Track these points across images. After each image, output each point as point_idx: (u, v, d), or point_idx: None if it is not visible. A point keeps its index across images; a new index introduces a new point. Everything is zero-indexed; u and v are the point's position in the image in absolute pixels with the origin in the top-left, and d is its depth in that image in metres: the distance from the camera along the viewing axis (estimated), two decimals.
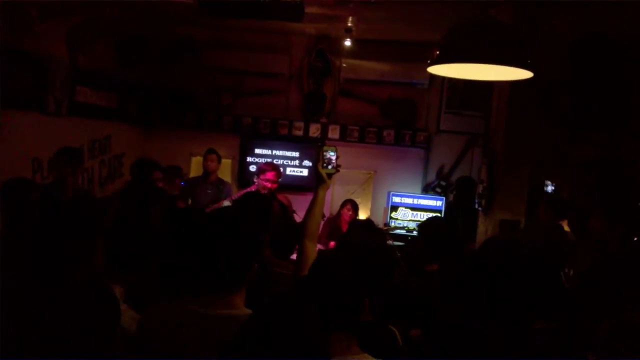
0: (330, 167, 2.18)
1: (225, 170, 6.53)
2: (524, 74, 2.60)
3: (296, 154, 6.72)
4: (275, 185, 5.09)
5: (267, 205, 2.80)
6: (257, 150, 6.77)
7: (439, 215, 6.24)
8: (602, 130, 4.82)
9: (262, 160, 6.50)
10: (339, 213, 5.84)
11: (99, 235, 1.79)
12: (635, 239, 3.23)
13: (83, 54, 5.28)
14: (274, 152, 6.77)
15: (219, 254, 1.60)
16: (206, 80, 6.80)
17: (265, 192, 5.06)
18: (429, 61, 2.76)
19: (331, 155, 2.18)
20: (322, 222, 5.79)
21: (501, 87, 4.49)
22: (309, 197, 2.29)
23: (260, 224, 2.31)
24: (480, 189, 4.75)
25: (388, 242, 5.35)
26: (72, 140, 5.21)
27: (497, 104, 4.65)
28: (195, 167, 6.86)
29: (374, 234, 2.32)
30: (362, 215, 6.75)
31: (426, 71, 2.76)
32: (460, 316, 1.77)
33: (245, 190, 5.57)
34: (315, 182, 2.23)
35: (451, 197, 6.42)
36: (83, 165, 4.45)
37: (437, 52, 2.62)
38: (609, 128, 4.80)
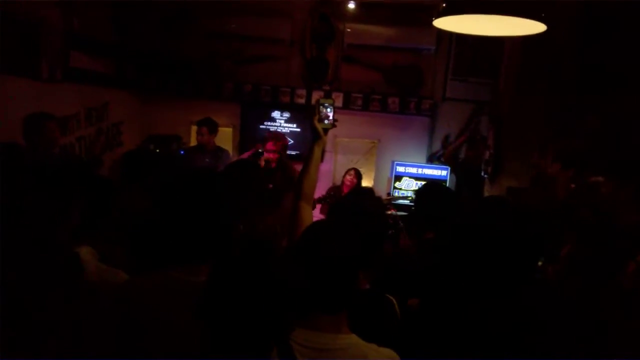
0: (327, 121, 2.04)
1: (226, 139, 6.40)
2: (537, 28, 2.42)
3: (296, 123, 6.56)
4: (276, 156, 4.97)
5: (252, 173, 2.67)
6: (258, 119, 6.62)
7: (435, 181, 6.08)
8: (611, 97, 4.64)
9: (263, 129, 6.37)
10: (342, 182, 5.72)
11: (76, 196, 1.68)
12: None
13: (78, 18, 5.10)
14: (277, 120, 6.62)
15: (197, 220, 1.51)
16: (206, 46, 6.61)
17: (271, 162, 4.95)
18: (434, 15, 2.58)
19: (328, 109, 2.04)
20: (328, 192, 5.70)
21: (512, 50, 4.30)
22: None
23: (242, 191, 2.19)
24: (487, 155, 4.60)
25: (391, 211, 5.29)
26: (67, 107, 5.09)
27: (506, 69, 4.47)
28: (195, 136, 6.73)
29: (370, 200, 2.18)
30: (366, 185, 6.63)
31: (432, 36, 2.61)
32: (454, 286, 1.65)
33: (239, 157, 5.47)
34: (311, 138, 2.10)
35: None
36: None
37: (444, 4, 2.44)
38: (618, 95, 4.62)
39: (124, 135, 6.32)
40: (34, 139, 3.95)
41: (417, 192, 2.75)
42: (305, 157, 2.12)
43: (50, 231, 1.50)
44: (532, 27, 2.45)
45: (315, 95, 6.51)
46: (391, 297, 1.96)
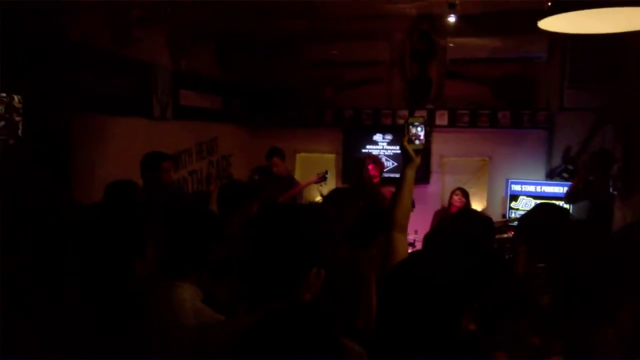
0: (417, 142, 1.86)
1: (329, 166, 6.36)
2: None
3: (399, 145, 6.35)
4: (376, 180, 4.82)
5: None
6: (360, 143, 6.52)
7: (548, 202, 5.48)
8: None
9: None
10: (449, 204, 5.41)
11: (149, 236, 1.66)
12: None
13: (185, 57, 5.39)
14: (379, 143, 6.48)
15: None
16: (307, 74, 6.69)
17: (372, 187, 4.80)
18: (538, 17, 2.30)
19: (418, 129, 1.86)
20: (434, 215, 5.41)
21: (636, 48, 3.80)
22: (418, 190, 1.98)
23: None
24: (615, 169, 4.08)
25: (508, 234, 4.86)
26: (179, 143, 5.37)
27: (632, 69, 3.96)
28: (300, 164, 6.79)
29: (477, 223, 1.93)
30: (478, 206, 6.23)
31: (544, 43, 2.33)
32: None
33: (306, 184, 5.37)
34: (402, 161, 1.93)
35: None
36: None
37: (549, 2, 2.15)
38: None
39: (232, 167, 6.54)
40: (150, 177, 4.15)
41: (522, 217, 2.43)
42: (397, 183, 1.95)
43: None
44: None
45: (420, 115, 6.29)
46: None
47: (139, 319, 1.50)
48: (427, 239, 1.98)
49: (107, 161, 4.25)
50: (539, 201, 5.77)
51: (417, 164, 1.91)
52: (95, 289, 1.40)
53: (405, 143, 1.87)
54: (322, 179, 5.32)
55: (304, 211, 1.67)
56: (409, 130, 1.86)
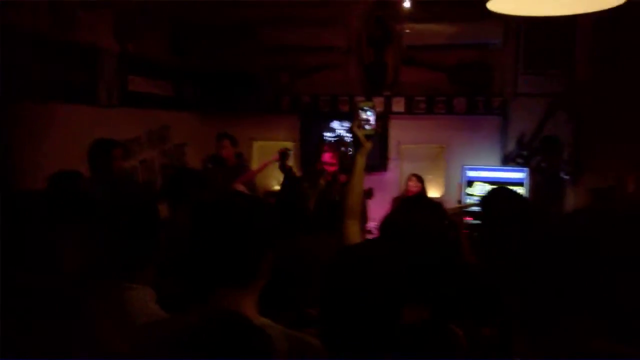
0: (367, 127, 1.80)
1: None
2: (612, 1, 2.05)
3: None
4: (333, 168, 4.76)
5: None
6: (318, 130, 6.44)
7: (503, 186, 5.59)
8: None
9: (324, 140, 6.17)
10: (405, 190, 5.41)
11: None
12: None
13: (134, 42, 5.16)
14: (336, 131, 6.42)
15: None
16: (263, 60, 6.55)
17: (328, 175, 4.73)
18: None
19: (368, 114, 1.80)
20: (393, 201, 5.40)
21: (585, 33, 3.84)
22: (376, 177, 1.91)
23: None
24: (566, 154, 4.14)
25: (465, 220, 4.89)
26: (127, 131, 5.14)
27: (582, 55, 4.00)
28: (257, 152, 6.66)
29: (427, 210, 1.88)
30: (435, 193, 6.27)
31: (499, 29, 2.29)
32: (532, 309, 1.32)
33: (264, 165, 5.27)
34: (354, 147, 1.87)
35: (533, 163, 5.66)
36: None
37: None
38: None
39: (187, 157, 6.35)
40: (100, 166, 3.95)
41: (482, 198, 2.42)
42: (348, 169, 1.89)
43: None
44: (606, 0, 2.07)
45: (377, 102, 6.25)
46: (456, 328, 1.66)
47: (76, 324, 1.38)
48: (381, 228, 1.93)
49: (51, 151, 4.03)
50: (494, 187, 5.84)
51: (368, 149, 1.85)
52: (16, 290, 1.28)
53: (355, 128, 1.81)
54: (283, 155, 5.04)
55: (250, 199, 1.59)
56: (358, 115, 1.81)
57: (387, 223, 1.75)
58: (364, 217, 4.28)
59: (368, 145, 1.83)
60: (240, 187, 4.88)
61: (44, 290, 1.37)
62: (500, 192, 2.57)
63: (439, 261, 1.62)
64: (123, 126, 4.99)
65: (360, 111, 1.80)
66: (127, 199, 1.85)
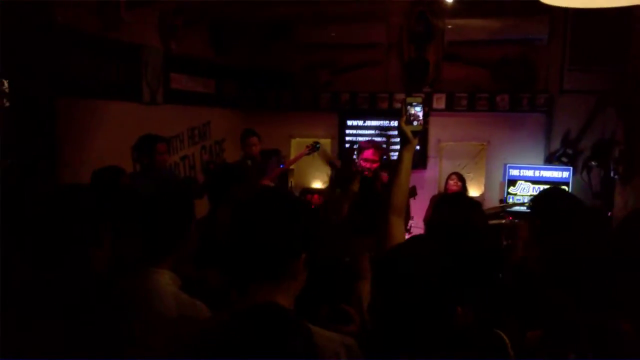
0: (416, 123, 1.77)
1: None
2: None
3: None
4: (375, 165, 4.70)
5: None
6: (355, 128, 6.41)
7: (557, 186, 5.44)
8: None
9: (362, 138, 6.13)
10: (445, 189, 5.32)
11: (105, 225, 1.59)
12: None
13: (176, 40, 5.24)
14: (375, 128, 6.38)
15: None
16: (302, 58, 6.56)
17: (367, 172, 4.69)
18: None
19: (417, 109, 1.77)
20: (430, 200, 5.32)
21: None
22: (415, 175, 1.89)
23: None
24: (616, 153, 3.98)
25: (504, 220, 4.79)
26: (170, 128, 5.24)
27: (637, 50, 3.84)
28: (295, 149, 6.68)
29: (469, 210, 1.83)
30: (475, 191, 6.15)
31: (544, 24, 2.22)
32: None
33: (295, 158, 5.26)
34: (400, 143, 1.83)
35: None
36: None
37: None
38: None
39: (226, 152, 6.42)
40: (145, 160, 4.08)
41: (535, 199, 2.35)
42: (394, 165, 1.85)
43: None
44: None
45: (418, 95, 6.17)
46: (502, 333, 1.61)
47: (109, 309, 1.41)
48: (427, 225, 1.89)
49: (95, 147, 4.14)
50: (537, 186, 5.69)
51: (415, 145, 1.81)
52: (50, 279, 1.33)
53: (403, 124, 1.77)
54: (313, 149, 5.17)
55: (291, 198, 1.58)
56: (407, 111, 1.77)
57: (433, 221, 1.72)
58: (407, 216, 4.24)
59: (415, 141, 1.79)
60: (269, 184, 4.93)
61: (82, 284, 1.41)
62: (554, 191, 2.50)
63: (487, 261, 1.58)
64: (166, 123, 5.08)
65: (408, 107, 1.76)
66: (165, 192, 1.90)
